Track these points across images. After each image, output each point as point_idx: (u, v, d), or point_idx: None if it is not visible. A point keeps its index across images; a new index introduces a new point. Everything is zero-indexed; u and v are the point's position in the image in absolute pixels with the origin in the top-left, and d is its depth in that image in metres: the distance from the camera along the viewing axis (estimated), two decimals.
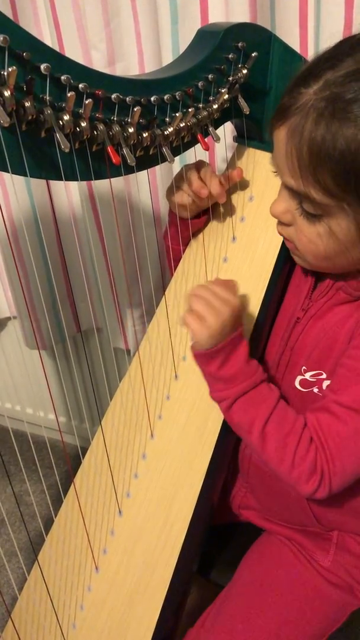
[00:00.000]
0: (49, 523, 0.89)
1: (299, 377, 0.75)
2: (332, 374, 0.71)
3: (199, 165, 0.80)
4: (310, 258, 0.67)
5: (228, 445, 0.79)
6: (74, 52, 1.03)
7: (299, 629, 0.77)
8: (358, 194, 0.56)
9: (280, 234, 0.70)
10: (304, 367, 0.74)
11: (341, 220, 0.59)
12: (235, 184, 0.84)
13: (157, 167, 0.75)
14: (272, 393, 0.70)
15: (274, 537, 0.86)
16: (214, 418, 0.77)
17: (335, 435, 0.66)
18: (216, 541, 0.92)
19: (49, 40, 1.06)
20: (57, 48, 1.03)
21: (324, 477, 0.66)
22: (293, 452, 0.66)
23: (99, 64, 1.02)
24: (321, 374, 0.73)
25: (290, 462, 0.67)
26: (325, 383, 0.72)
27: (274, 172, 0.67)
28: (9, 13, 1.04)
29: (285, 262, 0.79)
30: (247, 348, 0.71)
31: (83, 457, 0.89)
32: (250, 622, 0.76)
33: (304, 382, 0.74)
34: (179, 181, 0.79)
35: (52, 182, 1.18)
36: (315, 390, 0.73)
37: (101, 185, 1.07)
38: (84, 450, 0.89)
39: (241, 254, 0.82)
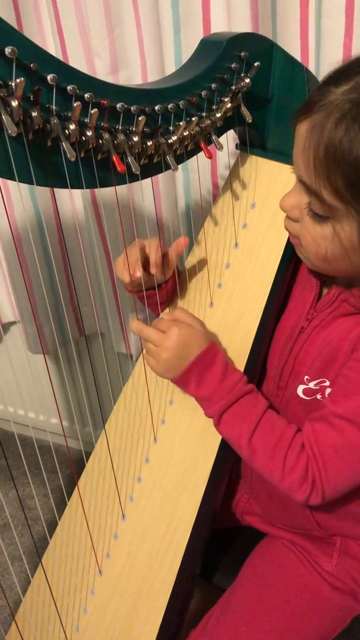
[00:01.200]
0: (52, 527, 0.89)
1: (302, 387, 0.75)
2: (334, 383, 0.71)
3: (148, 242, 0.81)
4: (312, 257, 0.67)
5: (231, 450, 0.79)
6: (77, 60, 1.04)
7: (302, 633, 0.77)
8: None
9: (287, 229, 0.70)
10: (307, 377, 0.75)
11: (346, 225, 0.60)
12: (236, 192, 0.85)
13: (160, 174, 0.76)
14: (257, 405, 0.72)
15: (277, 540, 0.86)
16: None
17: (330, 445, 0.67)
18: (219, 545, 0.92)
19: (52, 47, 1.07)
20: (60, 56, 1.04)
21: (315, 484, 0.68)
22: (282, 463, 0.68)
23: (101, 71, 1.03)
24: (324, 382, 0.73)
25: (280, 472, 0.69)
26: (328, 390, 0.73)
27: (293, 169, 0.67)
28: (12, 21, 1.05)
29: (288, 269, 0.79)
30: (222, 364, 0.73)
31: (86, 461, 0.89)
32: (252, 625, 0.77)
33: (307, 391, 0.75)
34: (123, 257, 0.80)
35: (57, 189, 1.19)
36: (319, 397, 0.74)
37: (105, 191, 1.07)
38: (88, 455, 0.90)
39: (244, 260, 0.82)
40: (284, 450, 0.69)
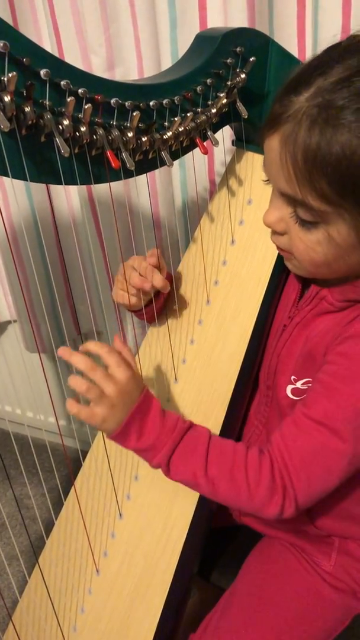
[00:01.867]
0: (49, 526, 0.89)
1: (290, 386, 0.74)
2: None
3: (136, 263, 0.80)
4: (307, 265, 0.66)
5: None
6: (73, 57, 1.03)
7: (303, 634, 0.77)
8: (355, 199, 0.56)
9: (275, 244, 0.69)
10: (293, 377, 0.74)
11: (340, 226, 0.59)
12: (232, 188, 0.84)
13: (157, 171, 0.76)
14: (200, 435, 0.68)
15: (275, 541, 0.85)
16: (214, 419, 0.77)
17: (300, 450, 0.64)
18: (216, 543, 0.92)
19: (48, 44, 1.06)
20: (56, 52, 1.04)
21: (287, 493, 0.64)
22: (245, 482, 0.64)
23: (98, 68, 1.03)
24: (310, 382, 0.72)
25: (246, 491, 0.64)
26: None
27: (265, 181, 0.67)
28: (8, 18, 1.05)
29: (284, 266, 0.79)
30: (158, 407, 0.68)
31: (83, 460, 0.89)
32: (253, 627, 0.76)
33: (295, 391, 0.74)
34: (121, 282, 0.81)
35: (52, 186, 1.18)
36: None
37: (101, 188, 1.07)
38: (85, 454, 0.89)
39: (240, 256, 0.82)
40: (242, 468, 0.65)
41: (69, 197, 1.21)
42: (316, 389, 0.67)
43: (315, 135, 0.54)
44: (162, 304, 0.86)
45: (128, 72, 1.05)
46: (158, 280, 0.78)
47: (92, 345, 0.69)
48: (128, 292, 0.80)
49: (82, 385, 0.64)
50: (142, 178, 0.97)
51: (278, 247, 0.70)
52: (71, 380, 0.65)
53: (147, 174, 0.73)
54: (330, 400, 0.64)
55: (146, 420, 0.67)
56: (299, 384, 0.73)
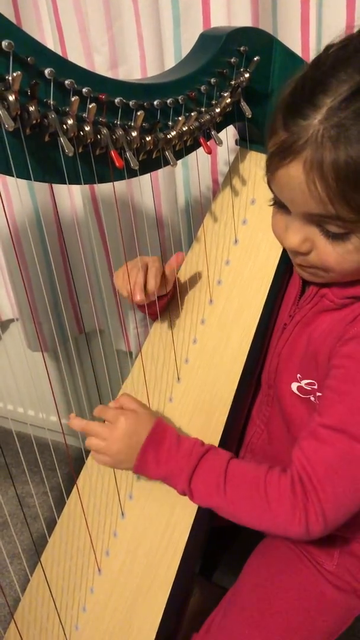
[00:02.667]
0: (51, 525, 0.89)
1: (296, 384, 0.74)
2: (321, 387, 0.70)
3: (150, 263, 0.80)
4: (338, 274, 0.65)
5: (230, 446, 0.79)
6: (76, 55, 1.03)
7: (306, 634, 0.77)
8: None
9: (302, 266, 0.68)
10: (299, 375, 0.74)
11: None
12: (236, 187, 0.84)
13: (160, 170, 0.76)
14: (219, 458, 0.69)
15: (277, 540, 0.85)
16: (217, 419, 0.77)
17: (323, 462, 0.63)
18: (218, 542, 0.92)
19: (51, 43, 1.06)
20: (59, 51, 1.04)
21: (311, 508, 0.63)
22: (265, 501, 0.64)
23: (101, 67, 1.03)
24: (314, 384, 0.72)
25: (268, 510, 0.64)
26: (319, 394, 0.71)
27: (271, 204, 0.66)
28: (11, 16, 1.05)
29: (287, 265, 0.79)
30: (173, 435, 0.71)
31: (85, 459, 0.89)
32: (256, 628, 0.76)
33: (301, 389, 0.74)
34: (123, 271, 0.80)
35: (55, 185, 1.18)
36: (312, 398, 0.73)
37: (104, 187, 1.07)
38: (87, 452, 0.89)
39: (243, 256, 0.82)
40: (261, 488, 0.65)
41: (72, 196, 1.21)
42: (327, 396, 0.66)
43: (342, 154, 0.54)
44: (165, 304, 0.86)
45: (131, 70, 1.04)
46: (151, 286, 0.78)
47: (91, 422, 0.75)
48: (131, 291, 0.80)
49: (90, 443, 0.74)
50: (146, 177, 0.97)
51: (300, 265, 0.69)
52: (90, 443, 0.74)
53: (151, 173, 0.73)
54: (343, 405, 0.64)
55: (161, 449, 0.69)
56: (303, 383, 0.73)
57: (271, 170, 0.61)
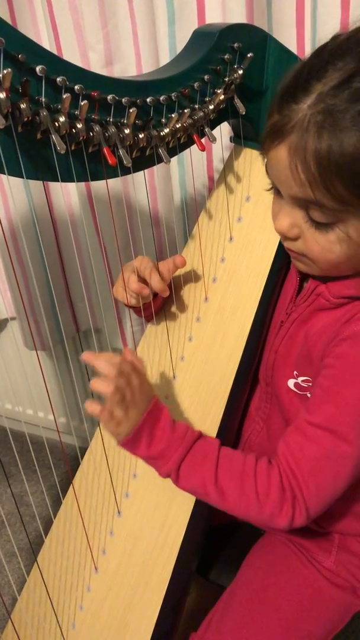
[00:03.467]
0: (48, 524, 0.89)
1: (292, 380, 0.74)
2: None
3: (138, 264, 0.80)
4: (323, 265, 0.66)
5: (227, 444, 0.79)
6: (71, 53, 1.03)
7: (304, 632, 0.77)
8: None
9: (289, 250, 0.69)
10: (295, 372, 0.74)
11: (356, 224, 0.59)
12: (231, 185, 0.84)
13: (155, 168, 0.75)
14: (210, 445, 0.69)
15: (275, 538, 0.85)
16: (213, 416, 0.77)
17: (308, 459, 0.64)
18: (216, 541, 0.92)
19: (46, 41, 1.06)
20: (54, 49, 1.03)
21: (296, 503, 0.64)
22: (254, 491, 0.65)
23: (96, 65, 1.03)
24: (310, 381, 0.72)
25: (256, 503, 0.65)
26: None
27: (269, 189, 0.66)
28: (6, 14, 1.04)
29: (282, 262, 0.79)
30: (168, 415, 0.69)
31: (82, 458, 0.89)
32: (254, 627, 0.76)
33: (298, 386, 0.74)
34: (122, 280, 0.80)
35: (50, 183, 1.18)
36: (309, 395, 0.73)
37: (99, 186, 1.07)
38: (83, 451, 0.89)
39: (238, 254, 0.82)
40: (251, 479, 0.65)
41: (67, 195, 1.21)
42: (317, 394, 0.67)
43: (325, 141, 0.54)
44: (161, 304, 0.86)
45: (126, 68, 1.04)
46: (156, 282, 0.78)
47: (103, 359, 0.68)
48: (127, 294, 0.80)
49: (107, 387, 0.66)
50: (140, 175, 0.97)
51: (290, 250, 0.69)
52: (95, 384, 0.67)
53: (146, 170, 0.73)
54: (332, 405, 0.64)
55: (156, 428, 0.68)
56: (300, 380, 0.74)
57: (264, 151, 0.62)
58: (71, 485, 0.85)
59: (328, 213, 0.59)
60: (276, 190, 0.65)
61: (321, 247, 0.63)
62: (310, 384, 0.73)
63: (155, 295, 0.82)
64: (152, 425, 0.68)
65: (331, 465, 0.64)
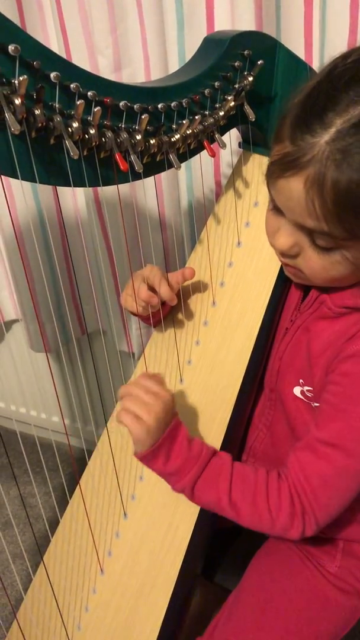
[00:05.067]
0: (54, 525, 0.89)
1: (299, 388, 0.75)
2: (317, 397, 0.72)
3: (147, 273, 0.81)
4: (318, 282, 0.67)
5: (232, 449, 0.79)
6: (80, 58, 1.03)
7: (309, 636, 0.77)
8: None
9: (285, 265, 0.70)
10: (301, 380, 0.74)
11: (357, 249, 0.60)
12: (239, 190, 0.84)
13: (163, 173, 0.76)
14: (224, 461, 0.71)
15: (280, 543, 0.85)
16: (220, 421, 0.77)
17: (317, 475, 0.67)
18: (221, 544, 0.92)
19: (55, 45, 1.07)
20: (63, 54, 1.04)
21: (306, 516, 0.67)
22: (267, 508, 0.67)
23: (105, 69, 1.03)
24: (313, 392, 0.73)
25: (268, 517, 0.67)
26: (316, 404, 0.73)
27: (272, 210, 0.66)
28: (16, 18, 1.05)
29: None
30: (186, 433, 0.71)
31: (88, 459, 0.89)
32: (259, 631, 0.76)
33: (304, 393, 0.75)
34: (130, 288, 0.81)
35: (59, 187, 1.19)
36: (314, 405, 0.74)
37: (107, 189, 1.07)
38: (89, 453, 0.90)
39: (246, 259, 0.82)
40: (264, 495, 0.68)
41: (75, 198, 1.21)
42: (326, 410, 0.68)
43: (344, 179, 0.55)
44: (168, 311, 0.87)
45: (135, 73, 1.05)
46: (165, 291, 0.79)
47: (127, 390, 0.71)
48: (136, 303, 0.81)
49: (134, 405, 0.69)
50: (149, 180, 0.98)
51: (286, 265, 0.70)
52: (123, 416, 0.69)
53: (155, 176, 0.74)
54: (341, 422, 0.66)
55: (174, 446, 0.70)
56: (305, 389, 0.74)
57: (272, 177, 0.61)
58: (78, 485, 0.86)
59: (335, 241, 0.60)
60: (276, 207, 0.65)
61: (320, 267, 0.64)
62: (313, 394, 0.73)
63: (163, 303, 0.83)
64: (170, 442, 0.70)
65: (340, 481, 0.67)
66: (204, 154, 0.76)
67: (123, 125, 0.64)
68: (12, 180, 0.58)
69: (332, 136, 0.55)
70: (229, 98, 0.73)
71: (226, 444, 0.76)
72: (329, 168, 0.55)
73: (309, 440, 0.69)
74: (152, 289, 0.81)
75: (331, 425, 0.67)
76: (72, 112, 0.59)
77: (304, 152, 0.57)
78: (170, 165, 0.71)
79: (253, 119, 0.76)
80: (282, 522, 0.67)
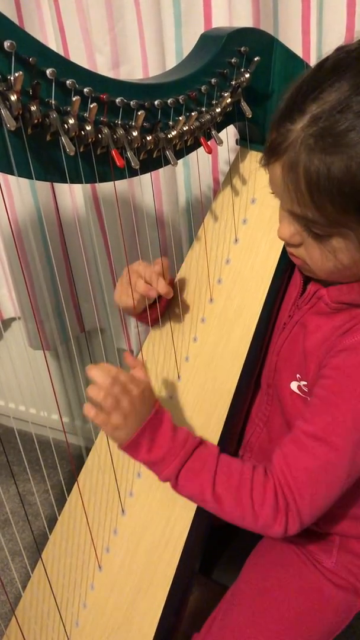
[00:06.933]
0: (52, 522, 0.89)
1: (296, 383, 0.75)
2: (311, 392, 0.71)
3: (142, 268, 0.81)
4: (321, 273, 0.68)
5: (230, 445, 0.79)
6: (78, 55, 1.04)
7: (306, 632, 0.77)
8: (357, 216, 0.58)
9: (292, 255, 0.70)
10: (298, 375, 0.75)
11: (352, 237, 0.61)
12: (236, 187, 0.84)
13: (161, 170, 0.76)
14: (210, 453, 0.70)
15: (277, 540, 0.86)
16: (217, 417, 0.77)
17: (302, 469, 0.66)
18: (218, 540, 0.92)
19: (53, 43, 1.07)
20: (61, 51, 1.04)
21: (290, 512, 0.66)
22: (250, 501, 0.66)
23: (103, 67, 1.03)
24: (307, 386, 0.73)
25: (251, 512, 0.66)
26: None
27: (272, 194, 0.67)
28: (14, 16, 1.05)
29: (287, 264, 0.79)
30: (170, 421, 0.70)
31: (86, 457, 0.89)
32: (257, 627, 0.76)
33: (301, 388, 0.75)
34: (124, 286, 0.81)
35: (57, 184, 1.19)
36: (309, 399, 0.74)
37: (105, 187, 1.08)
38: (87, 450, 0.90)
39: (243, 255, 0.82)
40: (247, 489, 0.66)
41: (73, 196, 1.21)
42: (314, 404, 0.68)
43: (315, 163, 0.56)
44: (165, 307, 0.87)
45: (133, 70, 1.05)
46: (162, 286, 0.79)
47: (98, 369, 0.69)
48: (133, 298, 0.81)
49: (99, 394, 0.66)
50: (146, 177, 0.98)
51: (292, 256, 0.70)
52: (90, 391, 0.67)
53: (152, 172, 0.74)
54: (328, 415, 0.66)
55: (157, 434, 0.69)
56: (302, 384, 0.74)
57: (264, 165, 0.64)
58: (76, 483, 0.86)
59: (324, 228, 0.61)
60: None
61: (320, 255, 0.64)
62: (308, 389, 0.73)
63: (157, 298, 0.83)
64: (153, 431, 0.68)
65: (325, 476, 0.66)
66: (201, 151, 0.76)
67: (119, 122, 0.64)
68: (11, 179, 0.58)
69: (306, 122, 0.57)
70: (226, 94, 0.73)
71: (224, 440, 0.76)
72: (301, 153, 0.56)
73: (295, 434, 0.68)
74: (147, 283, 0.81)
75: (318, 419, 0.66)
76: (69, 109, 0.59)
77: (284, 139, 0.58)
78: (167, 162, 0.71)
79: (250, 116, 0.76)
80: (264, 518, 0.66)
